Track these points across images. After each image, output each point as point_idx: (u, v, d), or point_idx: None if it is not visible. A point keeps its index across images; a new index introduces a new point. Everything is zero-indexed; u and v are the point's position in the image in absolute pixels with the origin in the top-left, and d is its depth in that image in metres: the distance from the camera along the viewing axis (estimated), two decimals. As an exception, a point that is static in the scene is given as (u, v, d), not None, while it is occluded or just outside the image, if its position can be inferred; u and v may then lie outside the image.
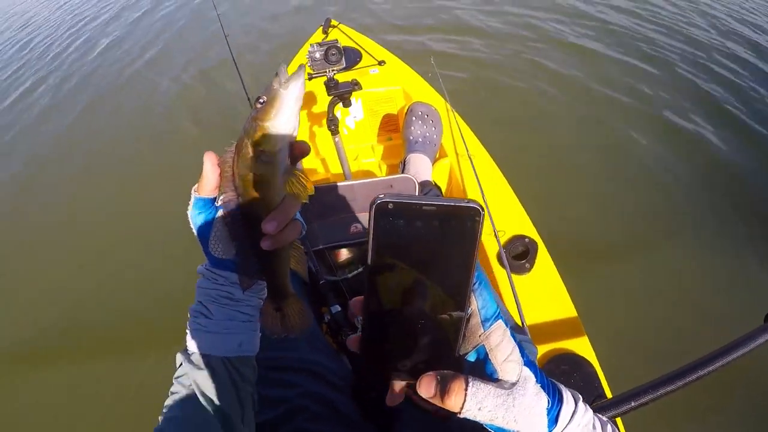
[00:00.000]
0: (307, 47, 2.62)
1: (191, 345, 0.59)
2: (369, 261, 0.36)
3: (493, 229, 1.48)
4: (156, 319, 2.09)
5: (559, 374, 1.23)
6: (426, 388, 0.38)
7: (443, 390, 0.38)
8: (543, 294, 1.43)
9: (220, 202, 0.52)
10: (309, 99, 2.22)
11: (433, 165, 1.79)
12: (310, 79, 1.65)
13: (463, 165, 1.80)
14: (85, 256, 2.50)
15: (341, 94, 1.59)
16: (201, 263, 0.59)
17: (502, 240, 1.53)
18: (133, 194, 2.85)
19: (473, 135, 1.98)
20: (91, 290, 2.33)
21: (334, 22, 2.68)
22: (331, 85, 1.59)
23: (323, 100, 1.97)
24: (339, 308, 1.15)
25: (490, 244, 1.53)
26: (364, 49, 2.29)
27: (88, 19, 6.05)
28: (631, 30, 4.08)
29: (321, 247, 1.27)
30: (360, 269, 1.27)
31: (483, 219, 0.35)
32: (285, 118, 0.45)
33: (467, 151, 1.77)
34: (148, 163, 3.10)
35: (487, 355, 0.41)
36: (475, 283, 0.40)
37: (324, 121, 1.65)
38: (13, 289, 2.45)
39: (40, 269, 2.52)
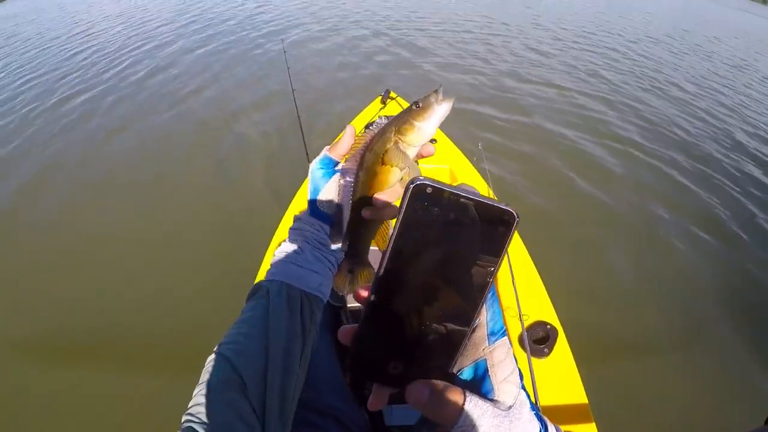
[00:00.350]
0: (364, 114, 2.87)
1: (274, 274, 0.64)
2: (390, 244, 0.34)
3: (518, 310, 1.60)
4: (173, 344, 2.22)
5: (567, 456, 1.31)
6: (416, 396, 0.36)
7: (437, 401, 0.36)
8: (558, 379, 1.53)
9: (340, 167, 0.60)
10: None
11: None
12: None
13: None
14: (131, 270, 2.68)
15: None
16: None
17: (526, 323, 1.65)
18: (181, 223, 3.06)
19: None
20: (131, 301, 2.48)
21: (392, 94, 2.89)
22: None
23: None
24: None
25: (513, 326, 1.65)
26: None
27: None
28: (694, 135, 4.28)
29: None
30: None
31: (516, 227, 0.35)
32: (429, 125, 0.52)
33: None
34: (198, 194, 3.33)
35: (486, 371, 0.39)
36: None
37: None
38: (48, 285, 2.61)
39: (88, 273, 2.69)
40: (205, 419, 0.52)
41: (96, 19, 9.29)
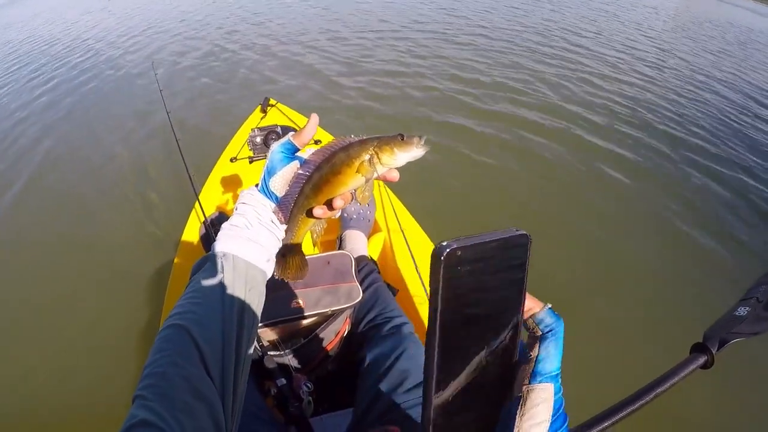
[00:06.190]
0: (245, 126, 2.74)
1: (225, 247, 0.65)
2: (437, 321, 0.34)
3: (427, 296, 1.56)
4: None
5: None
6: None
7: None
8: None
9: (304, 155, 0.65)
10: (250, 182, 2.30)
11: (368, 240, 1.88)
12: (251, 162, 1.73)
13: (396, 239, 1.91)
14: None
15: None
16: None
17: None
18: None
19: (405, 210, 2.11)
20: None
21: (272, 101, 2.81)
22: (270, 168, 1.68)
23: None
24: (284, 381, 1.17)
25: (425, 312, 1.59)
26: (300, 128, 2.40)
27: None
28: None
29: (262, 324, 1.30)
30: (302, 342, 1.30)
31: (530, 247, 0.36)
32: (403, 157, 0.59)
33: (400, 225, 1.89)
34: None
35: (516, 411, 0.38)
36: (549, 330, 0.39)
37: None
38: None
39: None
40: (161, 397, 0.49)
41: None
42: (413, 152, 0.59)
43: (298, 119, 2.62)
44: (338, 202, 0.61)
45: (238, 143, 2.50)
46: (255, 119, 2.75)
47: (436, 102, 4.86)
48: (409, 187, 2.78)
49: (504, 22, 8.97)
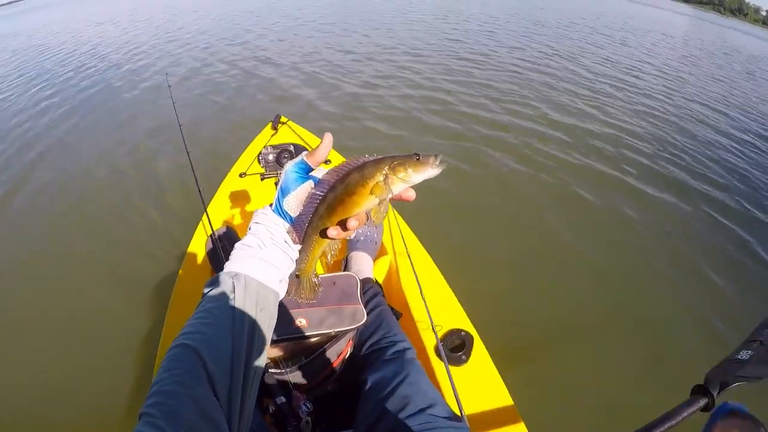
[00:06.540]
0: (255, 142, 2.77)
1: (238, 267, 0.64)
2: None
3: (430, 322, 1.56)
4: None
5: (497, 461, 1.28)
6: None
7: None
8: (480, 384, 1.50)
9: (318, 175, 0.65)
10: (259, 199, 2.32)
11: (374, 262, 1.89)
12: (262, 179, 1.75)
13: (401, 263, 1.92)
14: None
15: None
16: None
17: (440, 333, 1.62)
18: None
19: (412, 234, 2.12)
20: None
21: (283, 119, 2.84)
22: (282, 187, 1.70)
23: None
24: (284, 399, 1.17)
25: (428, 338, 1.61)
26: (311, 147, 2.40)
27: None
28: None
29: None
30: (303, 361, 1.30)
31: None
32: (418, 176, 0.59)
33: (406, 249, 1.90)
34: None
35: None
36: None
37: None
38: None
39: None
40: (168, 415, 0.48)
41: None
42: (428, 172, 0.59)
43: (309, 138, 2.65)
44: (352, 223, 0.60)
45: (248, 159, 2.53)
46: (266, 136, 2.78)
47: (445, 121, 4.95)
48: (416, 209, 2.81)
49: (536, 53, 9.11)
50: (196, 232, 2.17)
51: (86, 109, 5.63)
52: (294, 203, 0.66)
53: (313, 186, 0.64)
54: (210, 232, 1.81)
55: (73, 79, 6.85)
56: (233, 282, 0.63)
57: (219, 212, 2.25)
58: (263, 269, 0.65)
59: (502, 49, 9.08)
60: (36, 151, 4.55)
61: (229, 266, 0.65)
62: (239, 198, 2.33)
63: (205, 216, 1.90)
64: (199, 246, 2.06)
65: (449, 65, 7.33)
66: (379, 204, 0.60)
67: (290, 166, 0.67)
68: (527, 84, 6.70)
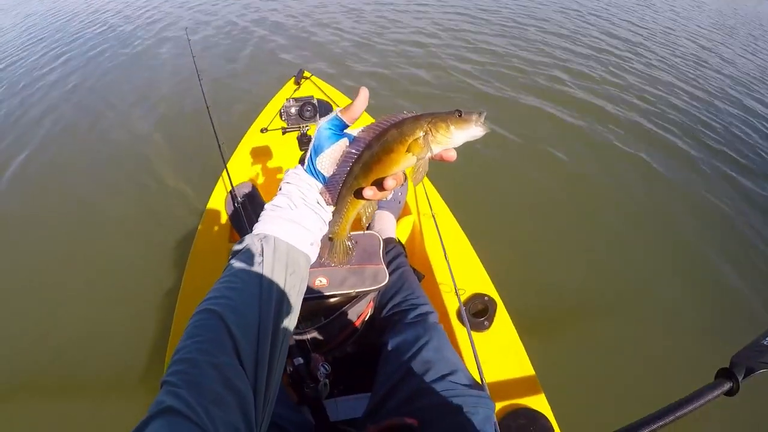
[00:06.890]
0: (277, 97, 2.70)
1: (266, 229, 0.62)
2: None
3: (454, 286, 1.52)
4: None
5: (516, 428, 1.25)
6: None
7: None
8: (501, 351, 1.46)
9: (354, 132, 0.61)
10: (281, 154, 2.26)
11: (397, 222, 1.83)
12: (284, 133, 1.69)
13: (425, 223, 1.86)
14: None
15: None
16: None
17: (463, 298, 1.57)
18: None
19: (437, 194, 2.05)
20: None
21: (306, 74, 2.75)
22: (304, 141, 1.63)
23: (296, 154, 2.01)
24: (302, 361, 1.14)
25: (450, 301, 1.57)
26: (335, 103, 2.34)
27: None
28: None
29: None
30: (323, 321, 1.27)
31: None
32: (460, 136, 0.55)
33: (431, 209, 1.84)
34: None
35: None
36: None
37: None
38: None
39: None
40: (190, 384, 0.46)
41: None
42: (471, 131, 0.54)
43: (333, 94, 2.56)
44: (390, 183, 0.56)
45: (269, 115, 2.46)
46: (288, 91, 2.70)
47: (487, 77, 4.78)
48: (441, 169, 2.71)
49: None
50: (216, 188, 2.14)
51: (105, 67, 5.59)
52: (327, 162, 0.62)
53: (348, 144, 0.60)
54: (230, 187, 1.77)
55: (90, 37, 6.79)
56: (262, 244, 0.60)
57: (239, 168, 2.21)
58: (294, 231, 0.62)
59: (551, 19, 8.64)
60: (56, 106, 4.56)
61: (258, 228, 0.63)
62: (260, 153, 2.28)
63: (225, 172, 1.86)
64: (218, 201, 2.03)
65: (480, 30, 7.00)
66: (417, 163, 0.56)
67: (323, 122, 0.63)
68: (600, 61, 6.37)
